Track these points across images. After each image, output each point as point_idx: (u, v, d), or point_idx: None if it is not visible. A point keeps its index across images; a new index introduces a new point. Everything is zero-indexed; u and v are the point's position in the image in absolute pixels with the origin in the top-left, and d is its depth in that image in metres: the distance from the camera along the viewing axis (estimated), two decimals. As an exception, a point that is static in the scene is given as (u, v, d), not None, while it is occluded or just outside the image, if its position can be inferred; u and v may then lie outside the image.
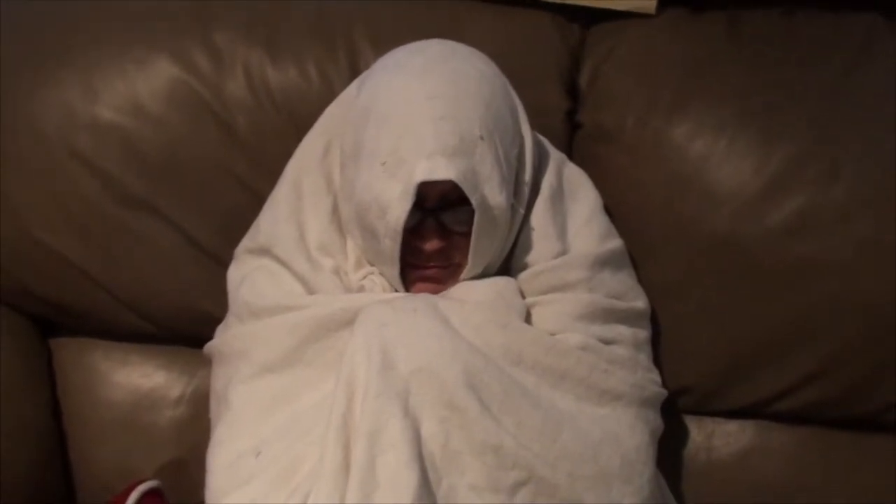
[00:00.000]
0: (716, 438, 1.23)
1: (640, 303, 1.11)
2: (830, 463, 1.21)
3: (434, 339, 0.94)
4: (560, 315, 1.03)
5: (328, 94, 1.14)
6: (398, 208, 0.96)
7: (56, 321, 1.30)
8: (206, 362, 1.11)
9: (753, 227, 1.15)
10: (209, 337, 1.11)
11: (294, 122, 1.18)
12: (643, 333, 1.10)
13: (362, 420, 0.90)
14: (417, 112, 0.97)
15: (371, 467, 0.89)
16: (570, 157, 1.18)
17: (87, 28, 1.23)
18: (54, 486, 1.24)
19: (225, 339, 1.07)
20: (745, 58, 1.20)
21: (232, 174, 1.21)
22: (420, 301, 0.98)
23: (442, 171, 0.95)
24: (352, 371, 0.93)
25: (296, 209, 1.08)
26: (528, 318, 1.03)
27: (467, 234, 0.99)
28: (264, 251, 1.08)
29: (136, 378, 1.29)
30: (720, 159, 1.16)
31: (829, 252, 1.13)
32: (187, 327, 1.23)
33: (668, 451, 1.16)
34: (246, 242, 1.12)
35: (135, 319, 1.26)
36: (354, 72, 1.16)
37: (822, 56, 1.19)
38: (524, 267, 1.06)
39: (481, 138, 0.97)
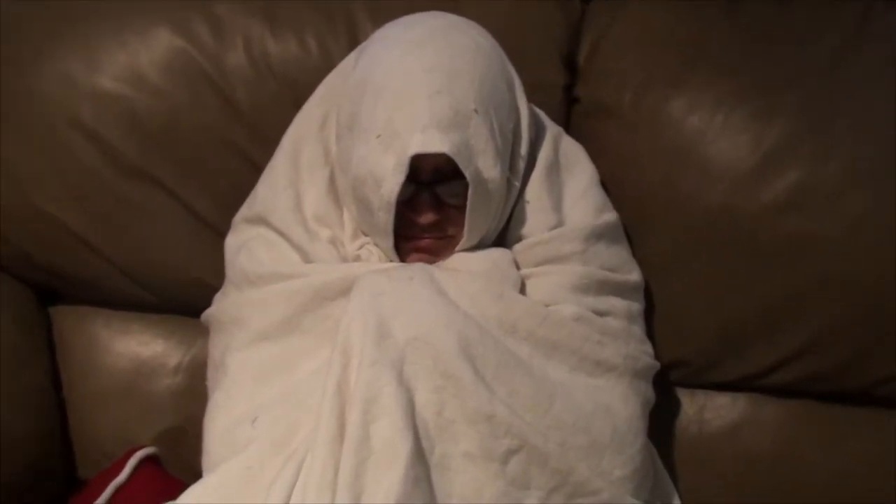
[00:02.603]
0: (707, 411, 1.24)
1: (635, 275, 1.12)
2: (820, 436, 1.22)
3: (430, 308, 0.95)
4: (554, 286, 1.04)
5: (327, 66, 1.14)
6: (392, 181, 0.97)
7: (56, 290, 1.31)
8: (204, 331, 1.12)
9: (748, 203, 1.15)
10: (207, 306, 1.12)
11: (293, 93, 1.18)
12: (637, 306, 1.11)
13: (357, 388, 0.91)
14: (412, 85, 0.97)
15: (365, 434, 0.90)
16: (568, 131, 1.18)
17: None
18: (54, 453, 1.25)
19: (222, 306, 1.08)
20: (742, 35, 1.19)
21: (231, 145, 1.22)
22: (416, 270, 0.99)
23: (436, 144, 0.95)
24: (347, 339, 0.94)
25: (293, 179, 1.09)
26: (522, 290, 1.03)
27: (462, 207, 1.00)
28: (261, 220, 1.09)
29: (136, 346, 1.30)
30: (716, 134, 1.16)
31: (823, 228, 1.14)
32: (186, 296, 1.24)
33: (661, 424, 1.18)
34: (243, 211, 1.13)
35: (134, 288, 1.27)
36: (353, 43, 1.16)
37: (818, 34, 1.19)
38: (519, 239, 1.07)
39: (476, 112, 0.98)
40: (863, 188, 1.13)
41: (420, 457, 0.91)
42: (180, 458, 1.20)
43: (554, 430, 0.96)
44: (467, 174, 0.97)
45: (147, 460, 1.18)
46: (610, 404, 1.01)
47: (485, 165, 0.99)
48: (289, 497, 0.92)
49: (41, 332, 1.29)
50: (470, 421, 0.93)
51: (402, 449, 0.90)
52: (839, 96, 1.16)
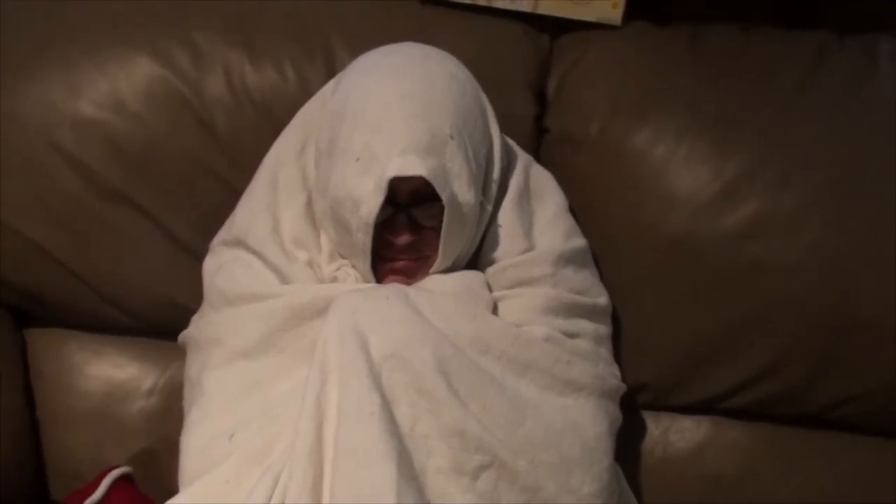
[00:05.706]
0: (672, 433, 1.27)
1: (602, 299, 1.14)
2: (781, 457, 1.25)
3: (405, 326, 0.97)
4: (525, 308, 1.06)
5: (305, 94, 1.16)
6: (371, 202, 0.99)
7: (32, 312, 1.31)
8: (180, 354, 1.13)
9: (709, 230, 1.19)
10: (183, 329, 1.12)
11: (272, 120, 1.20)
12: (604, 329, 1.14)
13: (338, 402, 0.93)
14: (390, 110, 1.00)
15: (347, 446, 0.91)
16: (538, 160, 1.21)
17: (68, 25, 1.25)
18: (27, 474, 1.25)
19: (199, 326, 1.09)
20: (704, 70, 1.23)
21: (210, 171, 1.23)
22: (392, 290, 1.01)
23: (414, 167, 0.98)
24: (325, 355, 0.95)
25: (271, 203, 1.10)
26: (494, 311, 1.05)
27: (437, 229, 1.02)
28: (239, 242, 1.10)
29: (110, 369, 1.30)
30: (678, 165, 1.20)
31: (779, 255, 1.17)
32: (163, 320, 1.24)
33: (627, 446, 1.20)
34: (222, 235, 1.14)
35: (111, 311, 1.27)
36: (330, 73, 1.18)
37: (775, 70, 1.23)
38: (492, 262, 1.09)
39: (451, 137, 1.01)
40: (816, 217, 1.17)
41: (403, 465, 0.92)
42: (154, 480, 1.19)
43: (525, 446, 0.97)
44: (444, 197, 0.99)
45: (121, 479, 1.16)
46: (579, 422, 1.03)
47: (460, 189, 1.01)
48: (265, 508, 0.93)
49: (16, 353, 1.28)
50: (442, 436, 0.95)
51: (387, 456, 0.90)
52: (794, 130, 1.20)
